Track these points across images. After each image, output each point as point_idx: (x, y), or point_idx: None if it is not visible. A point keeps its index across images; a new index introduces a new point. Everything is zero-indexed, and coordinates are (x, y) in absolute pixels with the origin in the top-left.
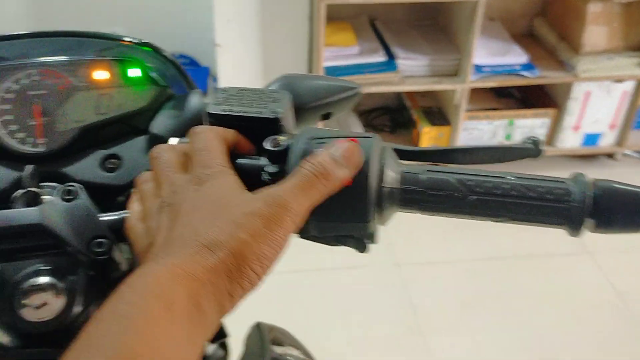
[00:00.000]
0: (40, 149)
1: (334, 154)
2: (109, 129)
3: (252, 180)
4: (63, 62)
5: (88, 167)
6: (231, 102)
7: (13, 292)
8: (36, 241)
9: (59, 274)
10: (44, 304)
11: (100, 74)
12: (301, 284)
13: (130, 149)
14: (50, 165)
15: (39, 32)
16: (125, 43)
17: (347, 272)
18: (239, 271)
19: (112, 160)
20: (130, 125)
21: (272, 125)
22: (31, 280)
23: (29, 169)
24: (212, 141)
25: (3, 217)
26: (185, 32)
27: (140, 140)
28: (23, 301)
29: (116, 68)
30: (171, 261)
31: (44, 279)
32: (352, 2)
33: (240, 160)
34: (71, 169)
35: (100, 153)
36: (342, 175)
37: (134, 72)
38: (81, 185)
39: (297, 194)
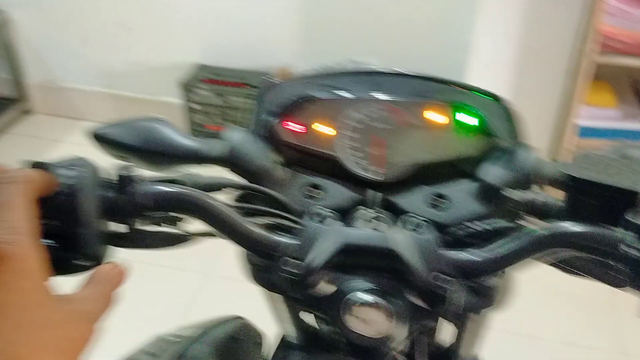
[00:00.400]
0: (378, 178)
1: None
2: (439, 169)
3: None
4: (408, 101)
5: (417, 201)
6: (595, 169)
7: (343, 302)
8: (378, 262)
9: (389, 296)
10: (370, 320)
11: (438, 117)
12: None
13: (458, 190)
14: (384, 193)
15: (382, 71)
16: (467, 90)
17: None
18: None
19: (439, 198)
20: (457, 167)
21: (632, 198)
22: (363, 295)
23: (374, 194)
24: (18, 198)
25: (359, 236)
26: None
27: (467, 184)
28: (351, 313)
29: (454, 113)
30: None
31: (375, 298)
32: (625, 64)
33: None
34: (401, 200)
35: (428, 190)
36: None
37: (471, 120)
38: (427, 220)
39: (95, 315)
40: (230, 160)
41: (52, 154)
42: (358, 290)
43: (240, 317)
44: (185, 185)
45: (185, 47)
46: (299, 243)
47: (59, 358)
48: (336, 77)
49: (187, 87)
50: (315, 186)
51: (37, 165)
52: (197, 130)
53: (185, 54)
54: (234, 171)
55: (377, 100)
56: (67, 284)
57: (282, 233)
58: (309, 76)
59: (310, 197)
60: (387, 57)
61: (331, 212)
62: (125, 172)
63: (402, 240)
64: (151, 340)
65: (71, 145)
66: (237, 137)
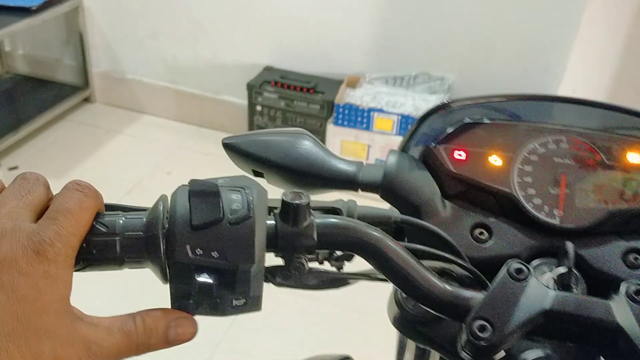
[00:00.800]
0: (554, 221)
1: (170, 334)
2: (636, 220)
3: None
4: (597, 134)
5: (608, 256)
6: None
7: None
8: (581, 332)
9: None
10: None
11: (634, 157)
12: None
13: None
14: (559, 241)
15: (566, 98)
16: None
17: None
18: None
19: (636, 255)
20: None
21: None
22: None
23: (569, 245)
24: (86, 212)
25: (575, 303)
26: (518, 90)
27: None
28: None
29: None
30: None
31: None
32: None
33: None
34: (587, 253)
35: (623, 244)
36: (159, 349)
37: None
38: None
39: (111, 354)
40: (386, 188)
41: (108, 144)
42: None
43: (349, 357)
44: (351, 217)
45: (255, 48)
46: (491, 302)
47: None
48: (514, 102)
49: (253, 89)
50: (484, 226)
51: (200, 185)
52: None
53: (254, 55)
54: (387, 200)
55: (556, 130)
56: None
57: (453, 283)
58: (483, 97)
59: (479, 240)
60: (464, 74)
61: (526, 265)
62: (297, 199)
63: (625, 312)
64: None
65: (128, 137)
66: (395, 161)
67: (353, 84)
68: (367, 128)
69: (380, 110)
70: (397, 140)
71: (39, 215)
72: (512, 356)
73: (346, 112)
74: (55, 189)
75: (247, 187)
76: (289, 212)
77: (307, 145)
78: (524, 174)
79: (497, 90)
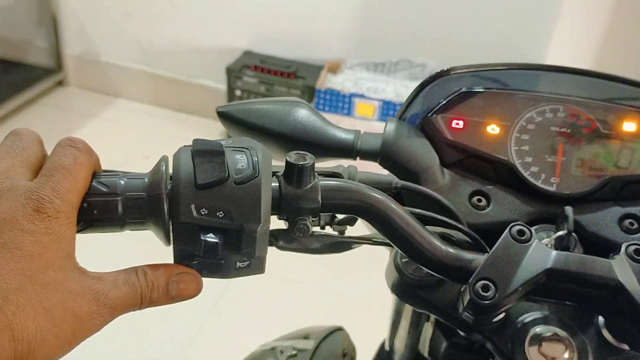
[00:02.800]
0: (551, 188)
1: (171, 289)
2: (631, 186)
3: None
4: (593, 104)
5: (605, 221)
6: None
7: (519, 332)
8: (581, 292)
9: (569, 329)
10: (556, 356)
11: (629, 125)
12: None
13: None
14: (555, 207)
15: (562, 67)
16: None
17: None
18: None
19: (632, 220)
20: None
21: None
22: (541, 327)
23: (568, 209)
24: (82, 168)
25: (577, 261)
26: None
27: None
28: (529, 346)
29: None
30: None
31: (557, 330)
32: None
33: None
34: (584, 218)
35: (619, 210)
36: (163, 304)
37: None
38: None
39: (117, 305)
40: (385, 155)
41: (83, 128)
42: (547, 323)
43: (341, 328)
44: (352, 180)
45: (234, 32)
46: (495, 262)
47: (48, 325)
48: (512, 71)
49: (233, 73)
50: (482, 193)
51: (203, 144)
52: None
53: (232, 38)
54: (386, 168)
55: (553, 99)
56: None
57: (455, 247)
58: (482, 65)
59: (477, 207)
60: (445, 60)
61: (528, 227)
62: (301, 160)
63: (626, 270)
64: (260, 351)
65: (103, 121)
66: (393, 129)
67: (334, 69)
68: (348, 114)
69: (362, 96)
70: (379, 126)
71: (35, 172)
72: (511, 318)
73: (327, 97)
74: None
75: (251, 147)
76: (293, 173)
77: (303, 113)
78: (521, 142)
79: None
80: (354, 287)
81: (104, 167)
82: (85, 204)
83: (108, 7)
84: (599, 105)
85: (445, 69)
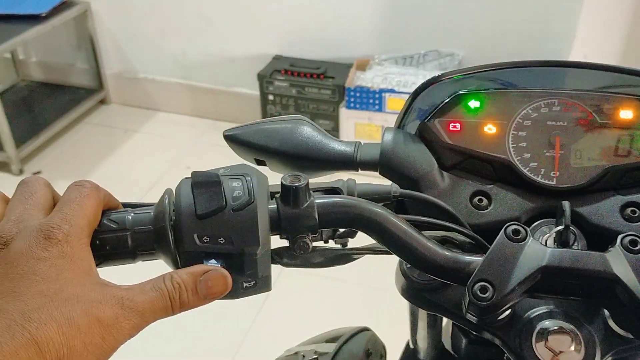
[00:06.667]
0: (550, 182)
1: (200, 287)
2: (631, 174)
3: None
4: (588, 95)
5: (606, 212)
6: None
7: (526, 327)
8: (582, 287)
9: (575, 321)
10: (564, 349)
11: (626, 113)
12: None
13: None
14: (557, 201)
15: (554, 62)
16: None
17: None
18: None
19: (633, 208)
20: None
21: None
22: (547, 322)
23: (564, 204)
24: (88, 199)
25: (571, 257)
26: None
27: None
28: (536, 341)
29: None
30: None
31: (562, 323)
32: None
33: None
34: (585, 210)
35: (620, 199)
36: (198, 305)
37: None
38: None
39: (145, 309)
40: (384, 165)
41: (126, 143)
42: (553, 317)
43: (367, 329)
44: (351, 195)
45: (263, 39)
46: (491, 264)
47: (73, 333)
48: (504, 70)
49: (264, 78)
50: (482, 193)
51: (201, 176)
52: None
53: (263, 45)
54: (386, 177)
55: (547, 93)
56: None
57: (455, 250)
58: (472, 68)
59: (479, 207)
60: (474, 49)
61: (523, 226)
62: (296, 182)
63: (621, 263)
64: (284, 357)
65: (145, 135)
66: (391, 138)
67: (363, 66)
68: (380, 109)
69: (392, 91)
70: None
71: (48, 213)
72: (517, 315)
73: (357, 95)
74: None
75: (247, 174)
76: (289, 194)
77: (305, 130)
78: (518, 139)
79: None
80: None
81: (143, 184)
82: (97, 241)
83: (143, 25)
84: (593, 96)
85: (436, 75)
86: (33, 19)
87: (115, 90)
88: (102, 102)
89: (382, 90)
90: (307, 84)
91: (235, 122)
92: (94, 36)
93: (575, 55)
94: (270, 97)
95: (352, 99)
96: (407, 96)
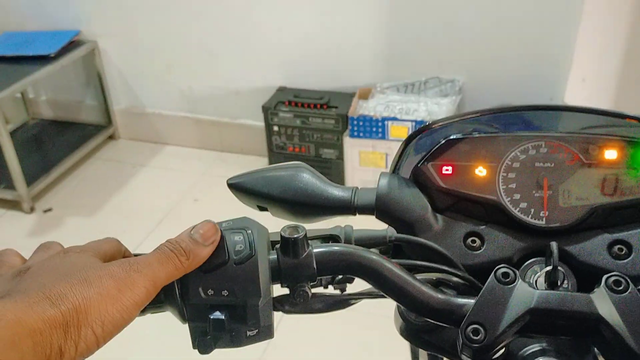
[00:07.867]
0: (540, 222)
1: (193, 235)
2: (618, 212)
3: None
4: (574, 137)
5: (594, 250)
6: None
7: None
8: (570, 327)
9: (567, 358)
10: None
11: (610, 153)
12: None
13: None
14: (547, 241)
15: (541, 105)
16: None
17: None
18: (78, 329)
19: (620, 246)
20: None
21: None
22: (540, 359)
23: (552, 245)
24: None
25: (557, 299)
26: (528, 86)
27: None
28: None
29: (628, 149)
30: (5, 305)
31: None
32: None
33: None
34: (574, 249)
35: (607, 237)
36: (201, 253)
37: None
38: (626, 277)
39: (152, 263)
40: (380, 209)
41: (135, 178)
42: (545, 355)
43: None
44: (348, 241)
45: (267, 71)
46: (482, 306)
47: (86, 287)
48: (491, 116)
49: (269, 110)
50: (475, 234)
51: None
52: (278, 152)
53: (267, 77)
54: (382, 221)
55: (534, 136)
56: None
57: (447, 291)
58: (460, 115)
59: (472, 248)
60: (474, 75)
61: (512, 269)
62: (294, 234)
63: (605, 303)
64: None
65: (153, 169)
66: (386, 183)
67: (365, 95)
68: (383, 137)
69: (394, 119)
70: None
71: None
72: (511, 354)
73: (361, 123)
74: (89, 226)
75: (247, 227)
76: (288, 246)
77: (305, 177)
78: (508, 180)
79: (509, 87)
80: None
81: (153, 217)
82: None
83: (149, 61)
84: (579, 138)
85: (428, 123)
86: (43, 59)
87: (123, 125)
88: (111, 137)
89: (384, 119)
90: (311, 114)
91: (241, 153)
92: (102, 74)
93: (574, 79)
94: (275, 128)
95: (355, 128)
96: (409, 123)
